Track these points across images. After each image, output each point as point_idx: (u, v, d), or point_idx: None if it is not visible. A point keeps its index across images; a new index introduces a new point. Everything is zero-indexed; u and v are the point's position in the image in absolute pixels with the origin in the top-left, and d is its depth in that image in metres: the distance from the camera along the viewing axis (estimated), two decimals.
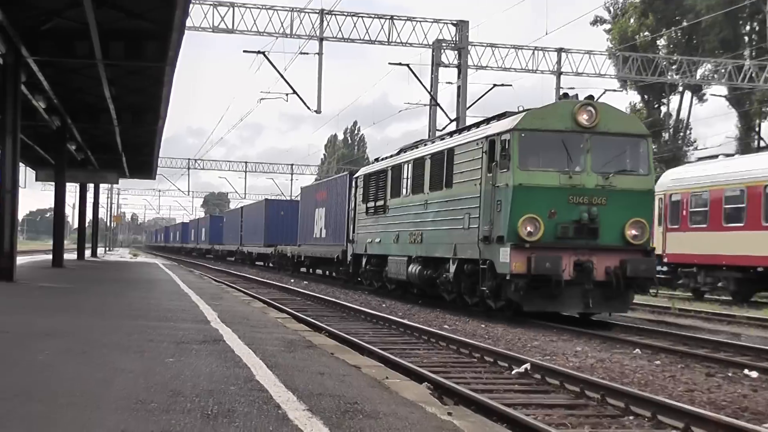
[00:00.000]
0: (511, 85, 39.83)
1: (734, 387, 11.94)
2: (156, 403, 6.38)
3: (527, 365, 12.69)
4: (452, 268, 23.32)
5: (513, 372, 12.66)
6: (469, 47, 38.33)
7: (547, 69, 41.04)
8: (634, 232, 20.22)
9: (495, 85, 39.21)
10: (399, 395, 7.71)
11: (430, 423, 6.43)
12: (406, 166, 28.41)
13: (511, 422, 8.62)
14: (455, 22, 38.09)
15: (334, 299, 27.09)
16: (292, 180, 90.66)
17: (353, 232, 34.17)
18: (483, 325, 20.12)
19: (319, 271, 45.11)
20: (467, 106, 37.83)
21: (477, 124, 24.18)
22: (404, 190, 28.14)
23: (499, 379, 12.35)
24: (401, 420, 6.35)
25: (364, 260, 32.57)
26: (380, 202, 30.68)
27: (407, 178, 27.96)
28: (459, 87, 38.14)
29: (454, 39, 37.92)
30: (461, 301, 24.06)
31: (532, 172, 19.92)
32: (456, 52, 38.00)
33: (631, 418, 9.55)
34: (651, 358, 14.92)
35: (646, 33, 60.15)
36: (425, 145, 27.80)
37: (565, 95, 20.46)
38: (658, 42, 59.44)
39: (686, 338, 17.49)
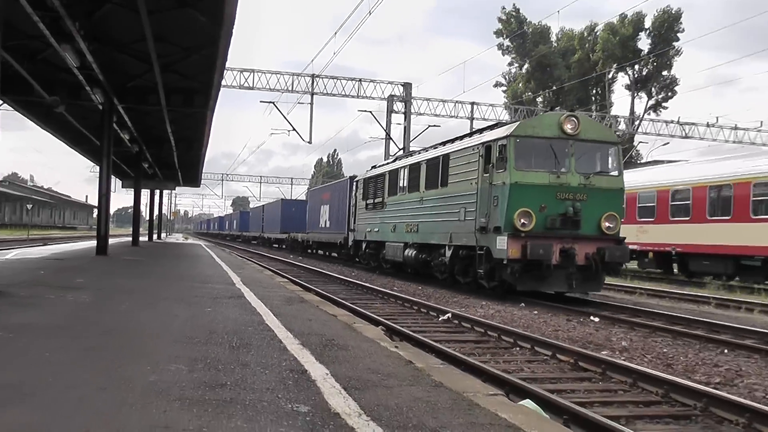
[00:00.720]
0: (440, 126, 40.78)
1: (584, 328, 12.34)
2: (198, 338, 6.66)
3: (449, 314, 13.08)
4: (448, 253, 19.12)
5: (439, 319, 12.98)
6: (412, 100, 40.19)
7: (464, 116, 42.61)
8: (608, 224, 16.21)
9: (429, 126, 40.85)
10: (362, 334, 7.83)
11: (383, 352, 6.60)
12: (402, 170, 24.87)
13: (437, 352, 8.77)
14: (403, 83, 40.04)
15: (321, 270, 26.56)
16: (291, 188, 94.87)
17: (354, 223, 30.50)
18: (420, 287, 20.04)
19: (321, 252, 42.61)
20: (411, 139, 39.52)
21: (470, 134, 20.01)
22: (401, 190, 24.67)
23: (429, 323, 12.58)
24: (363, 351, 6.58)
25: (363, 245, 28.43)
26: (379, 199, 27.17)
27: (404, 180, 24.46)
28: (405, 127, 39.72)
29: (402, 94, 39.78)
30: (452, 280, 19.88)
31: (526, 172, 16.00)
32: (403, 103, 39.74)
33: (518, 349, 9.93)
34: (530, 309, 15.03)
35: (529, 93, 61.85)
36: (419, 153, 24.43)
37: (552, 108, 17.18)
38: (537, 99, 60.48)
39: (555, 298, 16.57)
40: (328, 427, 3.91)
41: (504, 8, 65.02)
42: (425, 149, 23.55)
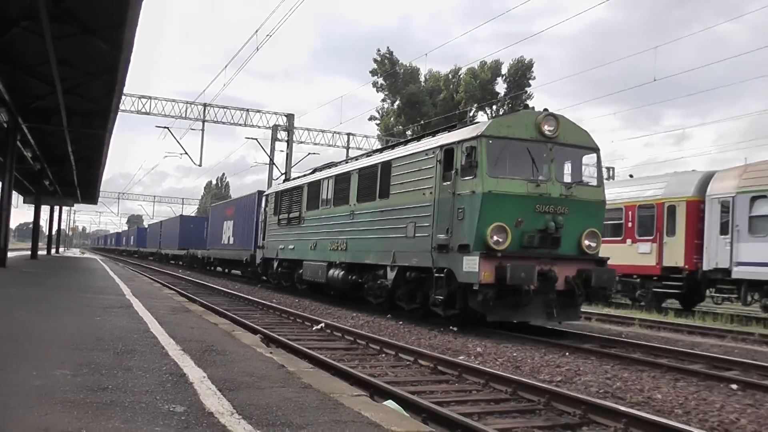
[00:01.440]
0: (319, 153, 40.59)
1: (444, 336, 12.33)
2: (86, 344, 6.66)
3: (322, 324, 13.06)
4: (390, 274, 15.15)
5: (313, 328, 12.94)
6: (294, 129, 40.82)
7: (341, 145, 43.35)
8: (589, 242, 12.87)
9: (310, 153, 42.46)
10: (240, 341, 7.84)
11: (258, 357, 6.61)
12: (326, 181, 21.06)
13: (309, 358, 8.77)
14: (286, 114, 40.87)
15: (206, 283, 26.17)
16: (182, 208, 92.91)
17: (263, 239, 26.64)
18: (297, 300, 19.85)
19: (220, 269, 38.66)
20: (292, 165, 40.02)
21: (418, 138, 16.18)
22: (324, 203, 20.93)
23: (304, 332, 12.47)
24: (240, 356, 6.62)
25: (275, 263, 24.02)
26: (295, 214, 23.13)
27: (328, 192, 20.80)
28: (287, 154, 40.33)
29: (285, 124, 40.47)
30: (389, 306, 16.13)
31: (501, 179, 12.42)
32: (286, 132, 40.43)
33: (383, 355, 9.96)
34: (396, 320, 14.77)
35: (400, 126, 63.49)
36: (347, 162, 20.89)
37: (526, 106, 14.08)
38: (407, 132, 60.86)
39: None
40: (201, 426, 3.91)
41: (379, 50, 67.22)
42: (355, 158, 20.01)
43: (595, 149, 13.56)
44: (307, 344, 10.29)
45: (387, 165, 16.11)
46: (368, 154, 18.30)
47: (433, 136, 14.87)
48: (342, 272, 18.08)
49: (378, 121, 69.25)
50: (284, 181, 25.08)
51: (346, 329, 12.18)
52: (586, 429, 6.03)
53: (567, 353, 10.66)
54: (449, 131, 14.27)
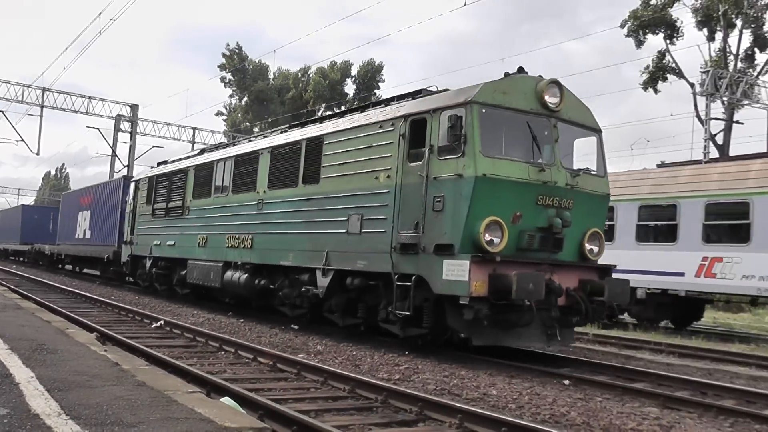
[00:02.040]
0: (164, 147, 40.49)
1: (285, 334, 11.73)
2: None
3: (161, 321, 12.20)
4: (322, 280, 11.29)
5: (152, 326, 12.07)
6: (138, 121, 38.33)
7: (186, 139, 40.71)
8: (591, 245, 9.85)
9: (154, 146, 39.35)
10: (74, 339, 7.52)
11: (92, 356, 6.35)
12: (221, 164, 16.65)
13: (146, 356, 8.19)
14: (131, 105, 38.45)
15: (43, 280, 23.00)
16: (18, 199, 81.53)
17: (131, 233, 21.64)
18: (137, 297, 18.23)
19: (70, 267, 32.09)
20: (135, 158, 37.90)
21: (361, 107, 12.08)
22: (219, 190, 16.54)
23: (143, 330, 11.63)
24: (72, 354, 6.35)
25: (148, 263, 19.14)
26: (176, 203, 18.06)
27: (225, 177, 16.43)
28: (130, 146, 38.06)
29: (129, 115, 38.12)
30: (312, 317, 12.56)
31: (498, 160, 9.03)
32: (130, 123, 37.99)
33: (223, 353, 9.46)
34: (238, 318, 13.97)
35: (248, 123, 60.66)
36: (250, 141, 16.67)
37: (521, 69, 10.84)
38: (254, 128, 57.78)
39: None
40: (25, 428, 3.69)
41: (228, 45, 64.40)
42: (263, 134, 15.84)
43: (598, 130, 10.54)
44: (145, 342, 9.63)
45: (316, 142, 12.26)
46: (283, 130, 14.35)
47: (387, 104, 11.24)
48: (245, 275, 13.95)
49: (225, 117, 66.54)
50: (159, 164, 20.32)
51: (185, 326, 11.52)
52: (422, 425, 5.86)
53: (407, 352, 9.94)
54: (413, 98, 10.71)
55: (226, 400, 5.62)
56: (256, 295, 13.93)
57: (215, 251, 15.24)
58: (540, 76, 9.91)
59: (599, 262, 10.18)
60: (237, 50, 64.30)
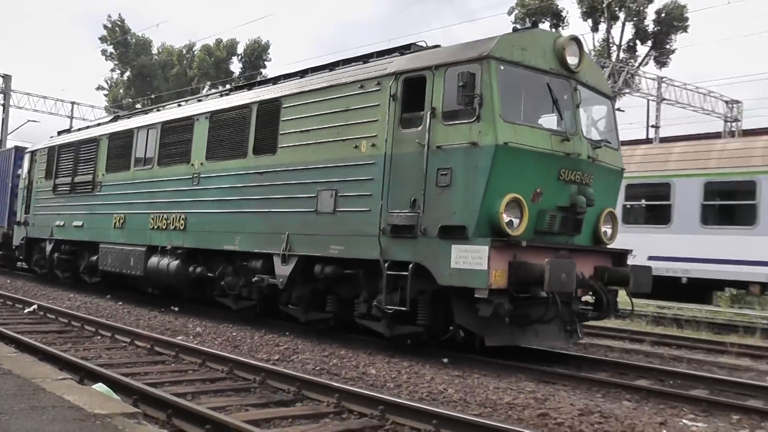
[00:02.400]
0: (39, 122, 36.57)
1: (165, 316, 11.14)
2: None
3: (35, 306, 11.33)
4: (282, 268, 9.24)
5: (25, 311, 11.18)
6: (12, 92, 35.74)
7: (65, 114, 38.36)
8: (605, 227, 8.43)
9: (29, 120, 36.79)
10: None
11: None
12: (143, 132, 13.97)
13: (16, 342, 7.67)
14: (3, 75, 35.61)
15: None
16: None
17: (26, 213, 18.29)
18: (9, 281, 16.54)
19: None
20: (9, 132, 35.66)
21: (329, 66, 9.84)
22: (141, 162, 13.29)
23: (14, 315, 10.74)
24: None
25: (48, 246, 15.99)
26: (84, 178, 14.80)
27: (149, 147, 13.69)
28: (3, 119, 35.59)
29: (2, 86, 35.35)
30: (265, 310, 10.58)
31: (519, 127, 7.38)
32: (2, 94, 35.31)
33: (99, 337, 8.95)
34: (116, 300, 13.12)
35: (130, 99, 58.22)
36: (180, 105, 12.79)
37: (535, 24, 8.98)
38: (137, 105, 55.19)
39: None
40: None
41: (110, 17, 60.78)
42: (196, 98, 13.38)
43: (611, 96, 9.12)
44: (15, 328, 8.89)
45: (271, 106, 10.14)
46: (223, 93, 12.03)
47: (365, 62, 9.27)
48: (176, 262, 11.60)
49: (106, 92, 62.61)
50: (61, 133, 17.23)
51: (60, 311, 10.79)
52: (300, 405, 5.65)
53: (287, 332, 9.64)
54: (402, 54, 8.84)
55: (99, 386, 5.39)
56: (189, 284, 11.64)
57: (136, 234, 12.75)
58: (556, 31, 8.30)
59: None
60: (119, 23, 60.61)
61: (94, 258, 13.98)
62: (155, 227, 12.14)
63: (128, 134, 13.48)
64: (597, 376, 7.19)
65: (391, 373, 6.98)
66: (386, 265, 7.89)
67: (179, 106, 12.98)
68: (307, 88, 9.52)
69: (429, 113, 7.70)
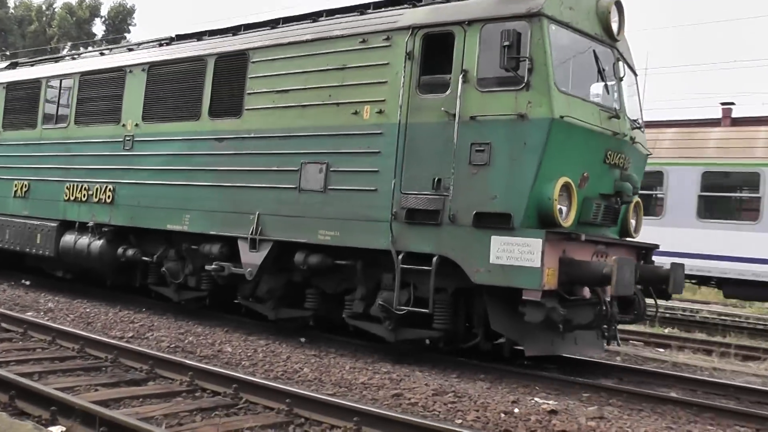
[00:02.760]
0: None
1: (14, 291, 10.30)
2: None
3: None
4: (254, 255, 7.40)
5: None
6: None
7: None
8: (632, 219, 7.34)
9: None
10: None
11: None
12: (55, 83, 11.16)
13: None
14: None
15: None
16: None
17: None
18: None
19: None
20: None
21: (313, 16, 7.87)
22: (49, 120, 11.24)
23: None
24: None
25: None
26: None
27: (61, 102, 11.15)
28: None
29: None
30: (216, 303, 8.66)
31: (573, 99, 6.00)
32: None
33: None
34: None
35: None
36: (104, 55, 11.25)
37: None
38: None
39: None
40: None
41: None
42: (128, 46, 10.89)
43: (636, 73, 8.02)
44: None
45: (234, 61, 8.20)
46: (163, 43, 9.82)
47: (362, 13, 7.59)
48: (100, 242, 9.41)
49: None
50: None
51: None
52: (152, 384, 5.35)
53: (144, 309, 9.06)
54: (413, 5, 7.24)
55: None
56: (116, 269, 9.52)
57: (45, 206, 10.35)
58: None
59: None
60: None
61: None
62: (71, 198, 9.85)
63: (34, 85, 10.92)
64: (451, 357, 6.92)
65: (247, 352, 6.75)
66: (400, 257, 6.36)
67: (102, 55, 10.59)
68: (287, 40, 7.71)
69: (460, 77, 6.22)
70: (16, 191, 10.67)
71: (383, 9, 7.28)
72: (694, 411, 5.51)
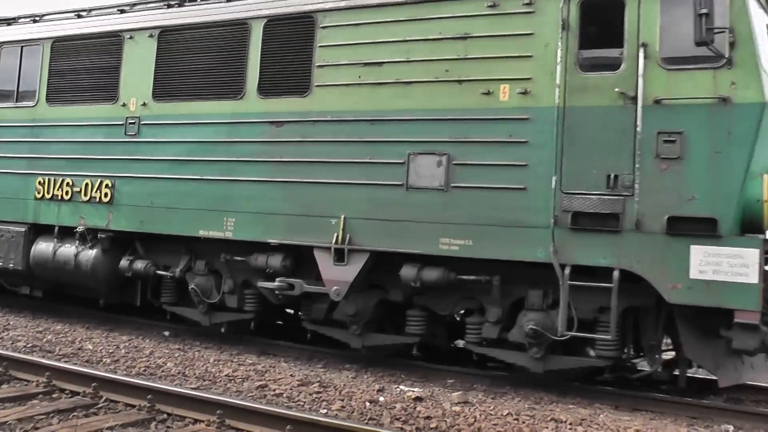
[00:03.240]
0: None
1: None
2: None
3: None
4: (342, 269, 5.66)
5: None
6: None
7: None
8: None
9: None
10: None
11: None
12: (14, 51, 8.50)
13: None
14: None
15: None
16: None
17: None
18: None
19: None
20: None
21: None
22: (17, 98, 8.03)
23: None
24: None
25: None
26: None
27: (29, 75, 8.44)
28: None
29: None
30: (264, 326, 6.80)
31: None
32: None
33: None
34: None
35: None
36: (84, 16, 8.81)
37: None
38: None
39: None
40: None
41: None
42: (128, 5, 8.48)
43: None
44: None
45: (294, 26, 6.51)
46: (171, 4, 7.72)
47: None
48: (94, 252, 7.30)
49: None
50: None
51: None
52: (6, 386, 4.94)
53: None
54: None
55: None
56: (117, 287, 7.44)
57: (8, 205, 8.00)
58: None
59: None
60: None
61: None
62: (46, 196, 7.61)
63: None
64: (317, 348, 6.72)
65: (108, 348, 6.46)
66: (566, 271, 5.08)
67: (80, 17, 8.32)
68: (375, 1, 6.13)
69: (640, 52, 5.02)
70: None
71: None
72: (557, 392, 5.43)
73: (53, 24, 8.03)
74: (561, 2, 5.20)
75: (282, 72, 6.31)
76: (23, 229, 7.53)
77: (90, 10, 8.14)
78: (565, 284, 4.96)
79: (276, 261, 6.17)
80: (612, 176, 4.94)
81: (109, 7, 7.91)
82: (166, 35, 6.98)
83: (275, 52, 6.36)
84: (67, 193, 7.32)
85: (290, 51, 6.30)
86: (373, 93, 5.84)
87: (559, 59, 5.14)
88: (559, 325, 4.97)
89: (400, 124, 5.71)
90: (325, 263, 5.87)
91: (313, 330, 6.39)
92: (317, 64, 6.14)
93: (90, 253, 7.08)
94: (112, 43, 7.29)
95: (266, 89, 6.37)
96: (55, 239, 7.33)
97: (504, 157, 5.29)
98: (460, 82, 5.52)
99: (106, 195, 7.09)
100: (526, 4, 5.33)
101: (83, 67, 7.42)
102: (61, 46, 7.62)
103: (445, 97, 5.55)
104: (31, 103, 7.76)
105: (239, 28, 6.58)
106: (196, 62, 6.74)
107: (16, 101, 7.87)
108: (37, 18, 8.32)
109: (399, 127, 5.71)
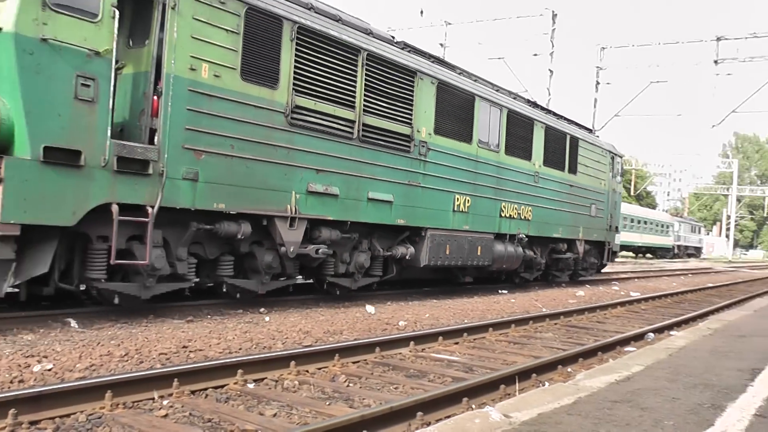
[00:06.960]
0: None
1: None
2: None
3: None
4: None
5: None
6: None
7: None
8: None
9: None
10: None
11: None
12: (486, 105, 6.95)
13: None
14: None
15: None
16: None
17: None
18: None
19: None
20: None
21: None
22: (482, 144, 6.97)
23: None
24: None
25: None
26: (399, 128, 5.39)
27: (494, 124, 6.89)
28: None
29: None
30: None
31: None
32: None
33: None
34: None
35: None
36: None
37: None
38: None
39: None
40: None
41: None
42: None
43: None
44: None
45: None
46: None
47: None
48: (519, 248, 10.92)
49: None
50: None
51: None
52: None
53: None
54: None
55: None
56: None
57: (481, 221, 9.99)
58: None
59: None
60: None
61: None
62: (506, 216, 10.68)
63: (465, 96, 9.43)
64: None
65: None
66: None
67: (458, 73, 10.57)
68: None
69: None
70: (455, 206, 9.46)
71: None
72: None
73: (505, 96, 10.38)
74: None
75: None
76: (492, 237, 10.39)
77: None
78: None
79: None
80: None
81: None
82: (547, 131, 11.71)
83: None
84: (514, 214, 10.84)
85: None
86: None
87: None
88: None
89: None
90: None
91: None
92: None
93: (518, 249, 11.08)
94: (529, 123, 11.10)
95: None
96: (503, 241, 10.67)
97: None
98: None
99: (528, 214, 11.23)
100: None
101: (524, 135, 10.80)
102: (512, 116, 10.51)
103: None
104: (496, 150, 10.27)
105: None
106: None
107: (488, 147, 10.07)
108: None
109: None
